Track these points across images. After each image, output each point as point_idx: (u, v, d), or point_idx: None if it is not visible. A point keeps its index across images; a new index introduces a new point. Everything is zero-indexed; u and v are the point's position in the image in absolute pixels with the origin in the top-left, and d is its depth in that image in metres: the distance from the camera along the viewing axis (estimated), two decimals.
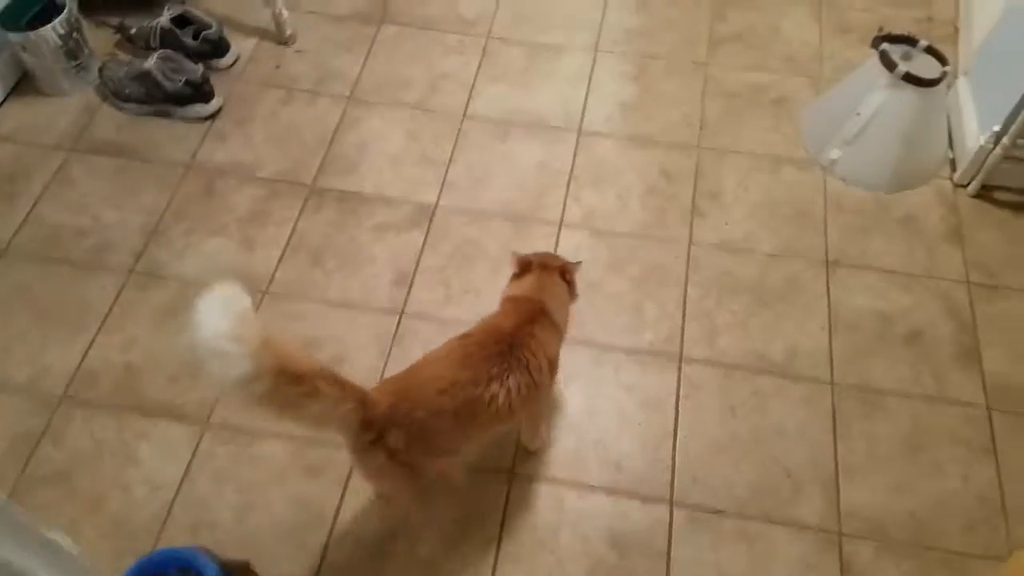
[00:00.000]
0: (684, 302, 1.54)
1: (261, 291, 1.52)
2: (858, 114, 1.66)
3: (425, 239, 1.61)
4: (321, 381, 0.97)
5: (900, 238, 1.63)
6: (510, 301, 1.20)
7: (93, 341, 1.45)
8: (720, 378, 1.44)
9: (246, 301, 0.94)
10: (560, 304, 1.22)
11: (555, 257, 1.26)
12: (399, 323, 1.50)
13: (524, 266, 1.22)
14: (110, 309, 1.49)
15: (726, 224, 1.65)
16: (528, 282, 1.20)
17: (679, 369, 1.45)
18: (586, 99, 1.84)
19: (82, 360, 1.42)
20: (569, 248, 1.60)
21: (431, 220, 1.64)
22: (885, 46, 1.62)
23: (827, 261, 1.60)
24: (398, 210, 1.65)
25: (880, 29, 1.66)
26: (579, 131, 1.78)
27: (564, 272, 1.23)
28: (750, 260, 1.60)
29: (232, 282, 0.93)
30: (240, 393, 0.92)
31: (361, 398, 1.02)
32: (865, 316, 1.52)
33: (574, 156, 1.74)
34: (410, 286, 1.54)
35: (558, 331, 1.21)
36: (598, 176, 1.72)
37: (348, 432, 1.03)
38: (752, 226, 1.65)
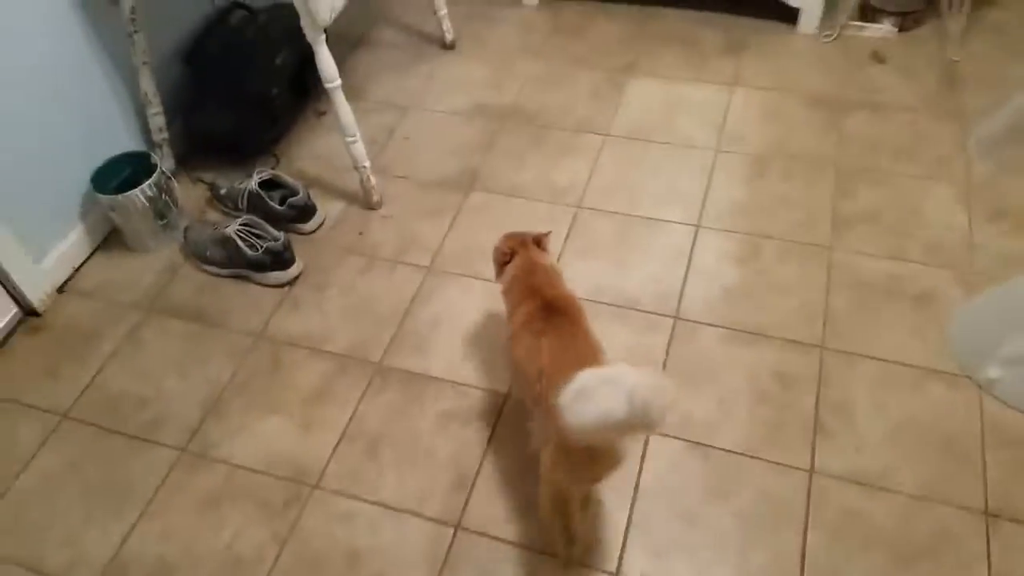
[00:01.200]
0: (803, 551, 1.24)
1: (311, 485, 1.37)
2: None
3: (491, 436, 1.42)
4: None
5: None
6: (519, 282, 1.30)
7: (133, 527, 1.34)
8: None
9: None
10: (551, 264, 1.36)
11: (522, 234, 1.37)
12: (454, 538, 1.29)
13: (510, 252, 1.34)
14: (155, 493, 1.39)
15: (858, 450, 1.36)
16: (520, 261, 1.33)
17: None
18: (684, 281, 1.64)
19: (119, 549, 1.31)
20: (661, 463, 1.36)
21: (500, 414, 1.45)
22: None
23: (987, 512, 1.27)
24: (466, 398, 1.48)
25: None
26: (675, 317, 1.58)
27: (539, 243, 1.37)
28: (888, 502, 1.29)
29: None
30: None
31: None
32: None
33: (668, 347, 1.53)
34: (469, 492, 1.35)
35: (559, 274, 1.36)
36: (696, 374, 1.49)
37: None
38: (891, 456, 1.35)
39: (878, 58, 2.12)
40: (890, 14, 2.17)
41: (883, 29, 2.18)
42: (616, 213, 1.81)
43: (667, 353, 1.52)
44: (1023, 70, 2.04)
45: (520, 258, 1.33)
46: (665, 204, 1.81)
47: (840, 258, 1.66)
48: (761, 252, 1.69)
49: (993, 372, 1.41)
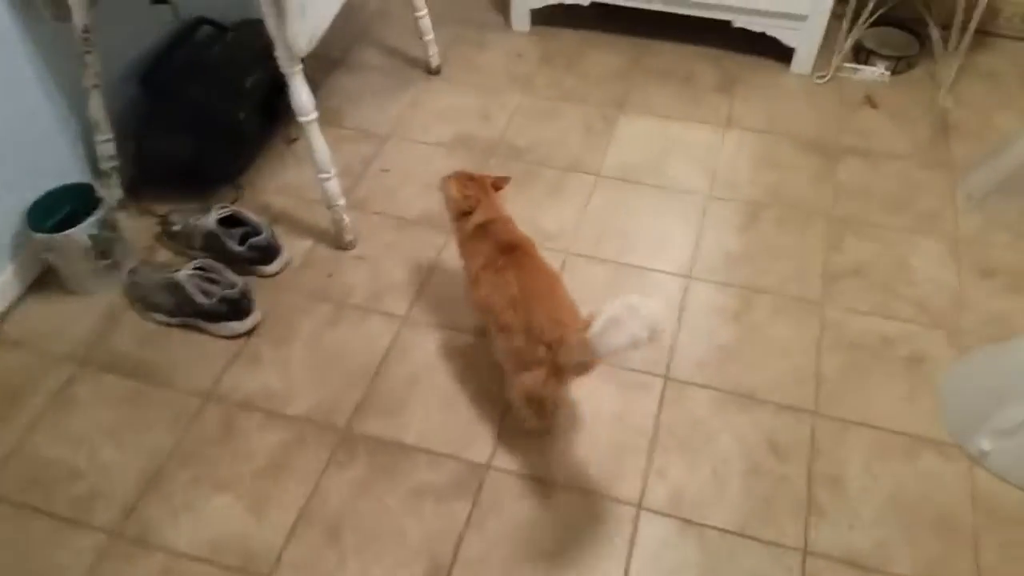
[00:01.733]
0: None
1: None
2: (1018, 403, 1.33)
3: (470, 515, 1.31)
4: None
5: None
6: (479, 229, 1.38)
7: None
8: None
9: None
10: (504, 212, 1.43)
11: (481, 177, 1.41)
12: None
13: (473, 203, 1.38)
14: None
15: (851, 527, 1.30)
16: (482, 209, 1.38)
17: None
18: (676, 337, 1.57)
19: None
20: (653, 546, 1.27)
21: (480, 487, 1.34)
22: None
23: None
24: (442, 469, 1.36)
25: None
26: (665, 377, 1.50)
27: (497, 187, 1.42)
28: None
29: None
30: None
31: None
32: None
33: (659, 410, 1.45)
34: None
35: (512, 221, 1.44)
36: (689, 441, 1.41)
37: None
38: (884, 532, 1.29)
39: (871, 102, 2.08)
40: (884, 57, 2.14)
41: (876, 72, 2.15)
42: (606, 260, 1.71)
43: (657, 417, 1.44)
44: (1010, 120, 2.03)
45: (483, 206, 1.39)
46: (656, 253, 1.72)
47: (831, 315, 1.60)
48: (753, 307, 1.62)
49: (984, 444, 1.37)
